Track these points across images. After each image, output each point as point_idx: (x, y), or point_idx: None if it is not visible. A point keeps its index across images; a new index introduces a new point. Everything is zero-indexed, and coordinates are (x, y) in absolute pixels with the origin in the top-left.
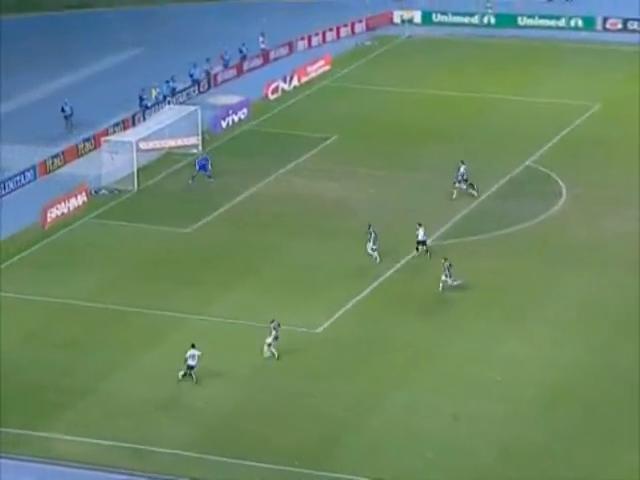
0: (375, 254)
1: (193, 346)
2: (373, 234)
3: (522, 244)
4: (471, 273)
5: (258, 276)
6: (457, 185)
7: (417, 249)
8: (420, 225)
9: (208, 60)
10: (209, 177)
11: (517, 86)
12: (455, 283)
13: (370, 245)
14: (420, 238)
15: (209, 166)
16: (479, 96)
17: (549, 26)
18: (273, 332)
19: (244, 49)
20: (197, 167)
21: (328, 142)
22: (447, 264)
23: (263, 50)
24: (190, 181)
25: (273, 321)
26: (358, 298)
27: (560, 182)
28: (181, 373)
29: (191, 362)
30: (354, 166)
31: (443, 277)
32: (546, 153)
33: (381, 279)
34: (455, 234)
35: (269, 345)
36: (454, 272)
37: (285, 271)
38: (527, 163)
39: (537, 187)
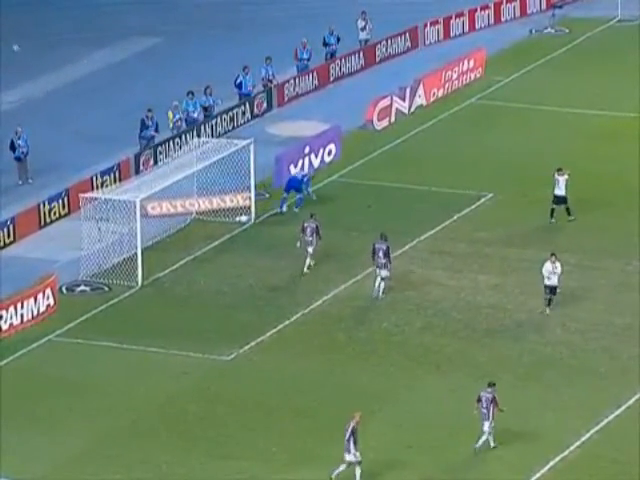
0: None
1: None
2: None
3: None
4: None
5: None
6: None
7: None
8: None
9: (269, 59)
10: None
11: None
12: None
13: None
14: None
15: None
16: None
17: None
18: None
19: (333, 40)
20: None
21: (478, 204)
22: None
23: (365, 42)
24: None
25: None
26: None
27: None
28: None
29: None
30: (522, 246)
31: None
32: None
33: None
34: None
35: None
36: None
37: (398, 429)
38: None
39: None
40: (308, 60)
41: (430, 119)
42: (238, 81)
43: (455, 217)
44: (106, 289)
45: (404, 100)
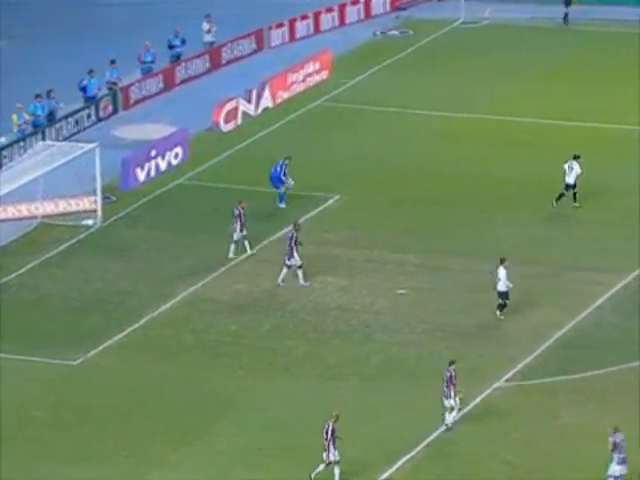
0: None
1: None
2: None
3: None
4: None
5: (206, 441)
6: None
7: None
8: None
9: (114, 62)
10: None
11: None
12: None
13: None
14: None
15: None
16: (581, 125)
17: None
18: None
19: (178, 43)
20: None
21: (325, 206)
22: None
23: (211, 45)
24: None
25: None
26: None
27: None
28: None
29: None
30: (369, 247)
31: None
32: None
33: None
34: (540, 371)
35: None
36: None
37: (248, 431)
38: None
39: None
40: (152, 63)
41: (277, 121)
42: (83, 84)
43: (303, 219)
44: None
45: (250, 102)
